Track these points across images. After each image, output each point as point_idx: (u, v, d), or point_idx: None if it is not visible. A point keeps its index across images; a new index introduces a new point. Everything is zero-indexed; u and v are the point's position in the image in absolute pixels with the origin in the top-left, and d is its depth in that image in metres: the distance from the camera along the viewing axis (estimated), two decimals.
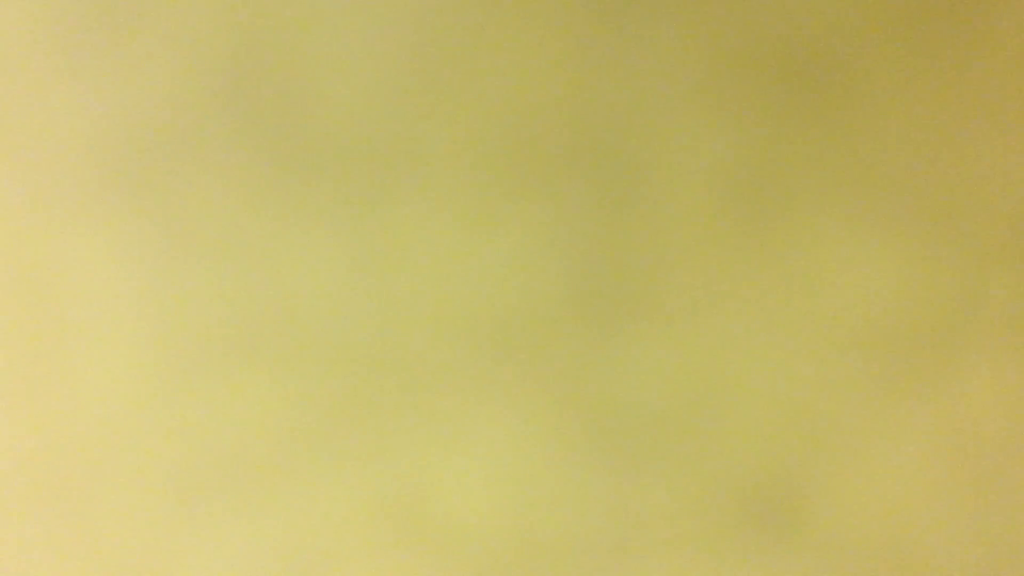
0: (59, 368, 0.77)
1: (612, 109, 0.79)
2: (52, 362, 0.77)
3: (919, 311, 0.81)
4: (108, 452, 0.77)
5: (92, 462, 0.77)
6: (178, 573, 0.77)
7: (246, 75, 0.77)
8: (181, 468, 0.77)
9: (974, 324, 0.81)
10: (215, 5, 0.77)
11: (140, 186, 0.77)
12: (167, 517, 0.77)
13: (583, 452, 0.79)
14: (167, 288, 0.77)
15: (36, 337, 0.77)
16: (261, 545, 0.78)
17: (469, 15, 0.78)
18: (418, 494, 0.78)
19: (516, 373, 0.79)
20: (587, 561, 0.79)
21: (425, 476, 0.78)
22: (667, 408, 0.79)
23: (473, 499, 0.79)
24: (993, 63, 0.81)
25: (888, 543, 0.81)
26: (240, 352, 0.77)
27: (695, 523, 0.80)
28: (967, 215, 0.81)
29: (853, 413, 0.80)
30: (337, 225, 0.78)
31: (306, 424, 0.78)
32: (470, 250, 0.78)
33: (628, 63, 0.79)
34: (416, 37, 0.78)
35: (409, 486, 0.78)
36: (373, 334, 0.78)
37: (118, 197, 0.77)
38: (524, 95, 0.79)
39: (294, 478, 0.78)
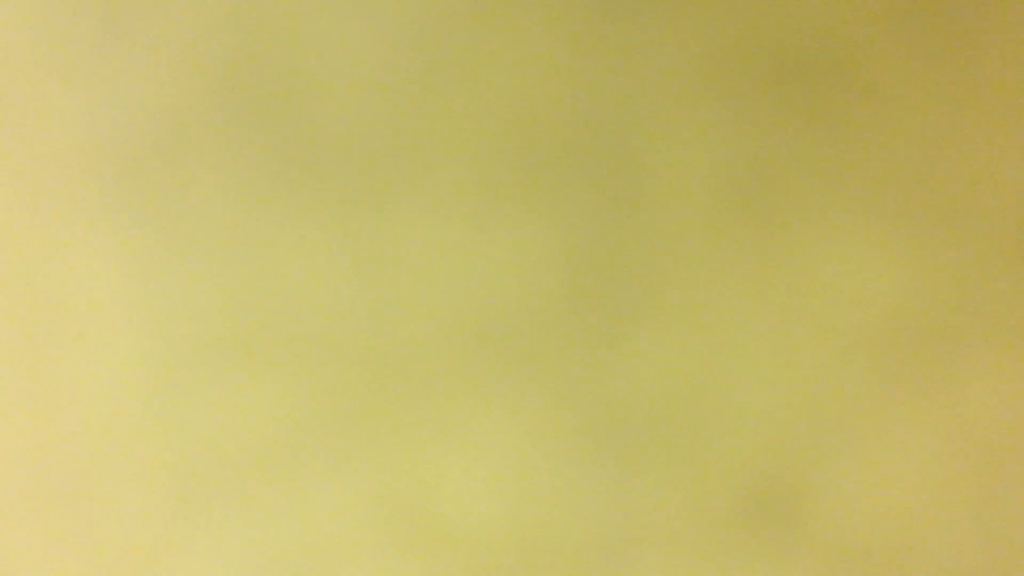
0: (58, 368, 0.77)
1: (612, 109, 0.79)
2: (51, 362, 0.77)
3: (919, 311, 0.81)
4: (108, 452, 0.77)
5: (92, 462, 0.77)
6: (178, 573, 0.77)
7: (246, 75, 0.77)
8: (181, 468, 0.77)
9: (974, 324, 0.81)
10: (214, 5, 0.77)
11: (139, 186, 0.77)
12: (167, 517, 0.77)
13: (583, 452, 0.79)
14: (166, 288, 0.77)
15: (35, 337, 0.77)
16: (261, 545, 0.78)
17: (468, 15, 0.78)
18: (418, 494, 0.78)
19: (516, 373, 0.79)
20: (587, 561, 0.79)
21: (425, 476, 0.78)
22: (667, 408, 0.79)
23: (473, 499, 0.79)
24: (993, 63, 0.81)
25: (888, 543, 0.81)
26: (240, 352, 0.77)
27: (695, 523, 0.80)
28: (967, 215, 0.81)
29: (853, 413, 0.80)
30: (337, 225, 0.78)
31: (305, 424, 0.78)
32: (470, 250, 0.78)
33: (628, 63, 0.79)
34: (416, 37, 0.78)
35: (409, 486, 0.78)
36: (373, 334, 0.78)
37: (117, 197, 0.77)
38: (524, 95, 0.79)
39: (294, 478, 0.78)
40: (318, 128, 0.78)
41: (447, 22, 0.78)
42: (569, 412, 0.79)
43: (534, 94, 0.79)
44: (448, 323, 0.78)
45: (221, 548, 0.78)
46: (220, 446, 0.77)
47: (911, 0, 0.81)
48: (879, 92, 0.80)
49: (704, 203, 0.79)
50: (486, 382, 0.79)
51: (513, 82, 0.79)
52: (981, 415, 0.81)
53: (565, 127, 0.79)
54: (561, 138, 0.79)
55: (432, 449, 0.78)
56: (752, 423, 0.80)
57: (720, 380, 0.80)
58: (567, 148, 0.79)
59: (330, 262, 0.78)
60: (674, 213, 0.79)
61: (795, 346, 0.80)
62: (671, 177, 0.79)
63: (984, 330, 0.81)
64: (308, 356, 0.78)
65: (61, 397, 0.77)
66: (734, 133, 0.80)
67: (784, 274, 0.80)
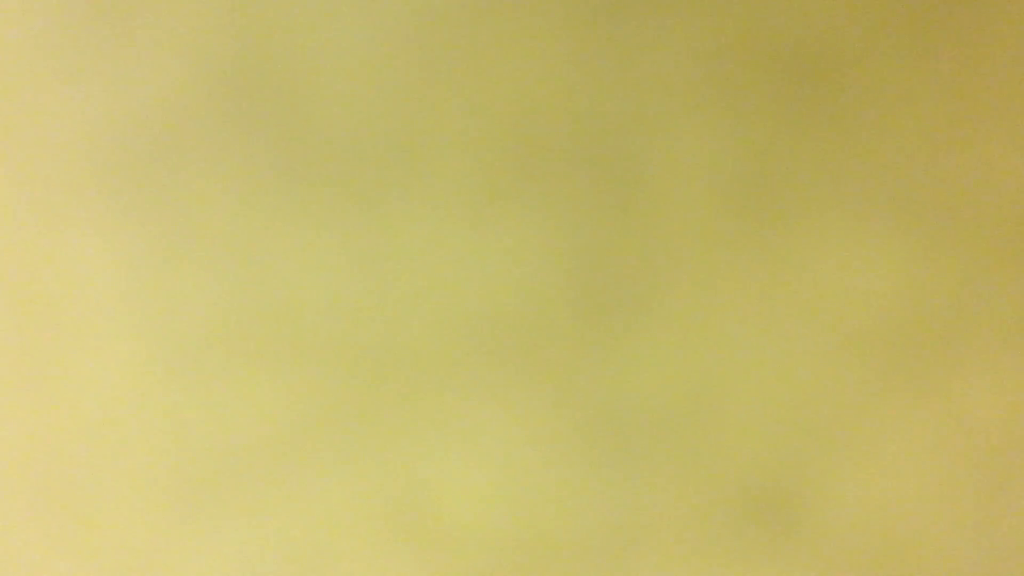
0: (58, 368, 0.77)
1: (613, 108, 0.79)
2: (51, 362, 0.77)
3: (919, 311, 0.81)
4: (107, 452, 0.77)
5: (92, 462, 0.77)
6: (178, 573, 0.77)
7: (246, 75, 0.77)
8: (181, 468, 0.77)
9: (974, 324, 0.81)
10: (215, 5, 0.77)
11: (139, 186, 0.77)
12: (167, 517, 0.77)
13: (583, 452, 0.79)
14: (167, 288, 0.77)
15: (35, 337, 0.77)
16: (261, 545, 0.78)
17: (469, 14, 0.78)
18: (418, 494, 0.78)
19: (516, 372, 0.79)
20: (587, 561, 0.79)
21: (425, 476, 0.78)
22: (667, 408, 0.79)
23: (473, 499, 0.79)
24: (993, 63, 0.81)
25: (888, 543, 0.81)
26: (240, 352, 0.77)
27: (695, 523, 0.80)
28: (967, 215, 0.81)
29: (853, 413, 0.80)
30: (337, 224, 0.78)
31: (306, 424, 0.78)
32: (470, 249, 0.78)
33: (629, 62, 0.79)
34: (416, 37, 0.78)
35: (409, 486, 0.78)
36: (373, 334, 0.78)
37: (117, 197, 0.77)
38: (524, 95, 0.79)
39: (294, 478, 0.78)
40: (318, 127, 0.78)
41: (447, 21, 0.78)
42: (569, 411, 0.79)
43: (534, 94, 0.79)
44: (448, 322, 0.78)
45: (221, 547, 0.78)
46: (220, 445, 0.77)
47: (911, 0, 0.81)
48: (879, 92, 0.80)
49: (704, 203, 0.80)
50: (486, 381, 0.79)
51: (513, 81, 0.79)
52: (981, 415, 0.81)
53: (565, 127, 0.79)
54: (561, 137, 0.79)
55: (432, 448, 0.78)
56: (752, 423, 0.80)
57: (720, 380, 0.80)
58: (567, 147, 0.79)
59: (330, 262, 0.78)
60: (674, 213, 0.79)
61: (795, 346, 0.80)
62: (671, 177, 0.79)
63: (984, 330, 0.81)
64: (308, 355, 0.78)
65: (61, 396, 0.77)
66: (734, 133, 0.80)
67: (784, 274, 0.80)
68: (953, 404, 0.81)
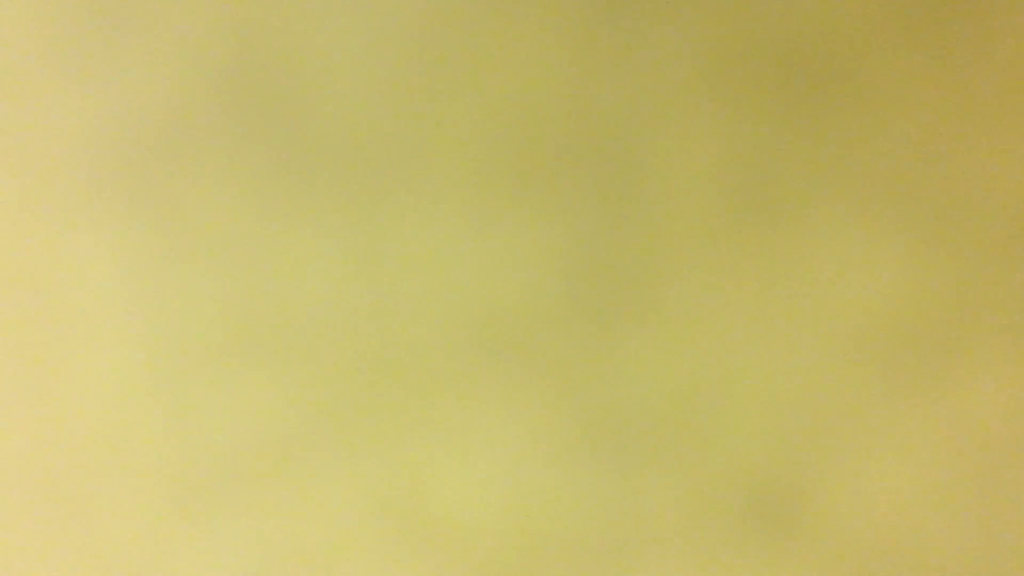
0: (58, 368, 0.77)
1: (613, 109, 0.79)
2: (51, 362, 0.77)
3: (919, 311, 0.81)
4: (107, 452, 0.77)
5: (91, 462, 0.77)
6: (178, 573, 0.77)
7: (246, 75, 0.77)
8: (180, 468, 0.77)
9: (974, 324, 0.81)
10: (215, 5, 0.77)
11: (139, 186, 0.77)
12: (167, 517, 0.77)
13: (583, 452, 0.79)
14: (167, 288, 0.77)
15: (35, 337, 0.77)
16: (261, 545, 0.78)
17: (469, 15, 0.78)
18: (418, 494, 0.78)
19: (516, 373, 0.79)
20: (587, 561, 0.79)
21: (425, 476, 0.78)
22: (667, 408, 0.79)
23: (473, 499, 0.79)
24: (993, 63, 0.81)
25: (888, 543, 0.81)
26: (240, 352, 0.77)
27: (695, 523, 0.80)
28: (967, 215, 0.81)
29: (854, 413, 0.80)
30: (337, 225, 0.78)
31: (306, 424, 0.78)
32: (470, 250, 0.78)
33: (629, 63, 0.79)
34: (416, 37, 0.78)
35: (409, 486, 0.78)
36: (373, 334, 0.78)
37: (118, 197, 0.77)
38: (524, 95, 0.79)
39: (294, 478, 0.78)
40: (318, 128, 0.78)
41: (447, 22, 0.78)
42: (569, 411, 0.79)
43: (534, 94, 0.79)
44: (449, 322, 0.78)
45: (221, 547, 0.78)
46: (220, 445, 0.77)
47: (911, 0, 0.81)
48: (880, 92, 0.80)
49: (704, 203, 0.80)
50: (486, 381, 0.79)
51: (513, 82, 0.79)
52: (981, 415, 0.81)
53: (565, 127, 0.79)
54: (561, 138, 0.79)
55: (432, 448, 0.78)
56: (752, 423, 0.80)
57: (720, 380, 0.80)
58: (567, 148, 0.79)
59: (331, 262, 0.78)
60: (674, 213, 0.79)
61: (795, 346, 0.80)
62: (671, 177, 0.79)
63: (984, 330, 0.81)
64: (308, 356, 0.78)
65: (61, 397, 0.77)
66: (734, 133, 0.80)
67: (784, 274, 0.80)
68: (953, 404, 0.81)
